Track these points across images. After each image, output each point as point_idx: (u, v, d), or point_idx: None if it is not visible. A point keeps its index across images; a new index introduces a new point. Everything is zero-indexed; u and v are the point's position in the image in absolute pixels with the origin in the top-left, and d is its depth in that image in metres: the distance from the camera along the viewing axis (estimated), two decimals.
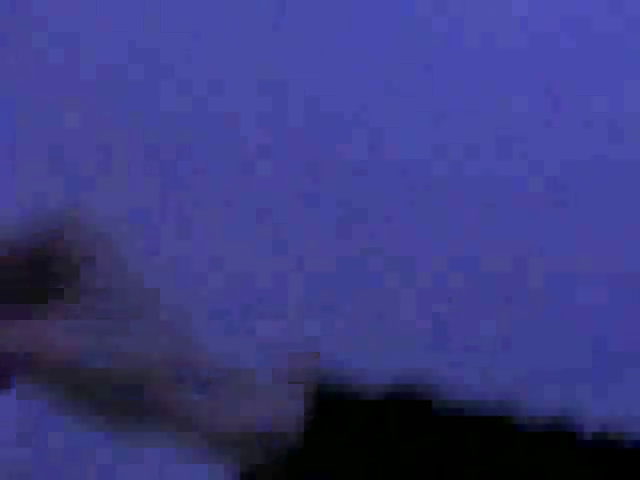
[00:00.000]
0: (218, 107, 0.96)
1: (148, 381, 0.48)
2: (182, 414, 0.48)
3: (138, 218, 0.84)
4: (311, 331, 0.95)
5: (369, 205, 0.98)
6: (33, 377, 0.48)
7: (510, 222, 0.99)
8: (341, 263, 0.97)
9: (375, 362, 0.73)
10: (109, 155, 0.90)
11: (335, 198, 0.98)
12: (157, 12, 0.93)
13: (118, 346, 0.48)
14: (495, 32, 1.00)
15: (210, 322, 0.50)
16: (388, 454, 0.49)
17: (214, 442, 0.49)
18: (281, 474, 0.49)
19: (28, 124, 0.87)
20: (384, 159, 0.99)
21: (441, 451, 0.49)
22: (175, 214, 0.92)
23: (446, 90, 0.99)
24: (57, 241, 0.49)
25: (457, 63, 0.99)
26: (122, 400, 0.48)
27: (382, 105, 0.98)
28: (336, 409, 0.50)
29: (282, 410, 0.49)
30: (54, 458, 0.87)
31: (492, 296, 0.99)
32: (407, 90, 0.98)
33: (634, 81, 1.01)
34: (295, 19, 0.96)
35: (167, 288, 0.50)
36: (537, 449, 0.50)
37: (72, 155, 0.88)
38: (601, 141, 1.01)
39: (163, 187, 0.92)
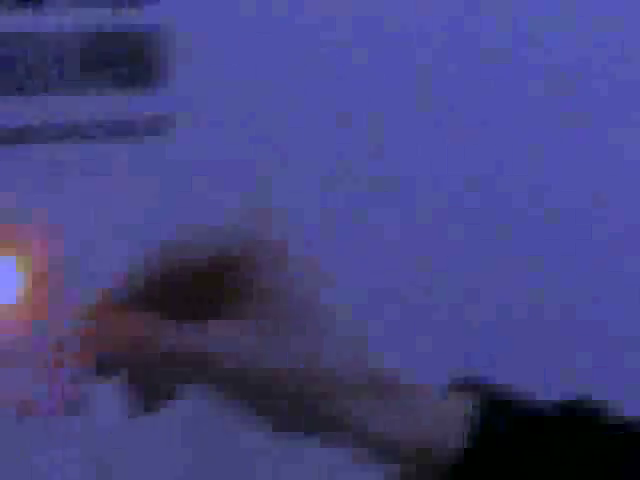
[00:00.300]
0: None
1: (321, 384, 0.48)
2: (353, 418, 0.49)
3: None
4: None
5: None
6: (208, 378, 0.49)
7: None
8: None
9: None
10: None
11: None
12: None
13: (293, 348, 0.48)
14: None
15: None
16: (554, 471, 0.49)
17: (381, 449, 0.50)
18: None
19: None
20: None
21: (612, 468, 0.50)
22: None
23: None
24: (238, 244, 0.50)
25: None
26: (294, 402, 0.48)
27: None
28: (499, 424, 0.50)
29: (448, 424, 0.50)
30: (221, 460, 0.86)
31: None
32: None
33: None
34: None
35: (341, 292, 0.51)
36: None
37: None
38: None
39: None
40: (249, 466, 0.89)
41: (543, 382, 0.65)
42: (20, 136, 0.81)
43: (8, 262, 0.55)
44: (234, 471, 0.89)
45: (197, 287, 0.52)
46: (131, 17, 0.82)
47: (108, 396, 0.52)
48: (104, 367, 0.52)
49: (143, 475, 0.83)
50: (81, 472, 0.56)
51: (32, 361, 0.79)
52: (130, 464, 0.79)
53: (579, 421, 0.51)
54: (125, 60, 0.83)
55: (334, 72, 0.90)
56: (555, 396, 0.53)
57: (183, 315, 0.51)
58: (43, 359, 0.55)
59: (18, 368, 0.79)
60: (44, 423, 0.79)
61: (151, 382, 0.54)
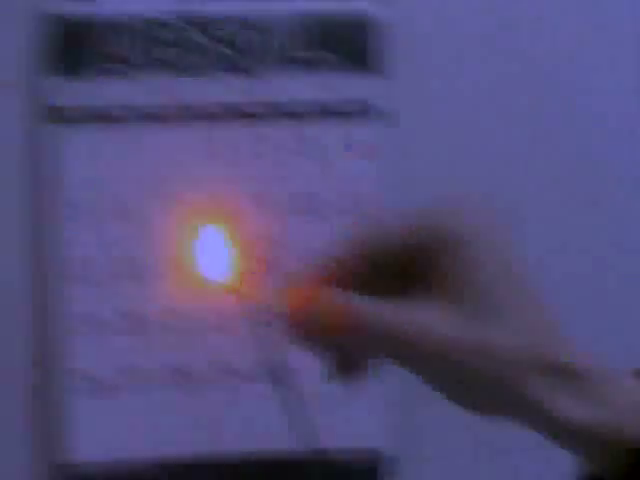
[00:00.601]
0: None
1: (512, 369, 0.48)
2: (543, 401, 0.49)
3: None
4: None
5: None
6: (403, 357, 0.50)
7: None
8: None
9: None
10: None
11: None
12: None
13: (491, 342, 0.48)
14: None
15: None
16: None
17: (572, 437, 0.49)
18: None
19: None
20: None
21: None
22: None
23: None
24: (442, 229, 0.50)
25: None
26: (487, 386, 0.49)
27: None
28: None
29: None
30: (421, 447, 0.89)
31: None
32: None
33: None
34: None
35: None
36: None
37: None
38: None
39: None
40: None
41: None
42: (231, 112, 0.83)
43: (219, 232, 0.57)
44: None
45: (394, 268, 0.53)
46: (357, 5, 0.84)
47: (310, 366, 0.55)
48: (307, 339, 0.54)
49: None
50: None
51: (242, 330, 0.83)
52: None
53: None
54: (346, 45, 0.84)
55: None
56: None
57: (380, 295, 0.51)
58: (252, 329, 0.57)
59: (228, 337, 0.83)
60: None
61: (349, 355, 0.56)
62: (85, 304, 0.82)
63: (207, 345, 0.83)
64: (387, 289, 0.52)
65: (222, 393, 0.84)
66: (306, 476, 0.82)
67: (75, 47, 0.82)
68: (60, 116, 0.82)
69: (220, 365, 0.84)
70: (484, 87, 0.89)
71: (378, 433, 0.85)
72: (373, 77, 0.85)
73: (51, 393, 0.82)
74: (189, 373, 0.83)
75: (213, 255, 0.56)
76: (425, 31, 0.88)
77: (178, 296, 0.82)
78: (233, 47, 0.84)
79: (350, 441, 0.85)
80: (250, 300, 0.55)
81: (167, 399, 0.83)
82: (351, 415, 0.85)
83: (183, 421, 0.83)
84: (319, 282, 0.53)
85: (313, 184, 0.84)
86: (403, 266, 0.53)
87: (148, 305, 0.82)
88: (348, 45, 0.84)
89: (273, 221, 0.84)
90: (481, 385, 0.49)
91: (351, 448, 0.85)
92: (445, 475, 0.89)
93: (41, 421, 0.84)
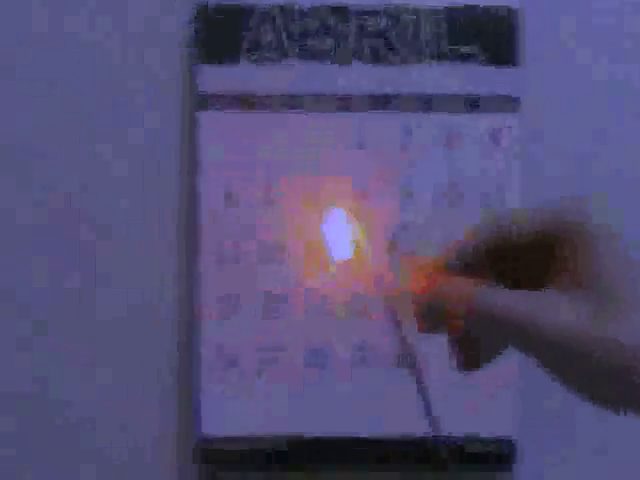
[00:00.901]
0: None
1: (629, 365, 0.49)
2: None
3: None
4: None
5: None
6: (526, 345, 0.51)
7: None
8: None
9: None
10: None
11: None
12: None
13: (606, 332, 0.49)
14: None
15: None
16: None
17: None
18: None
19: None
20: None
21: None
22: None
23: None
24: (568, 223, 0.51)
25: None
26: (609, 379, 0.49)
27: None
28: None
29: None
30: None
31: None
32: None
33: None
34: None
35: None
36: None
37: None
38: None
39: None
40: None
41: None
42: (376, 103, 0.85)
43: (341, 215, 0.59)
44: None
45: (522, 260, 0.54)
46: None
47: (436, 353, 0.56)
48: (431, 323, 0.56)
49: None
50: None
51: (368, 314, 0.85)
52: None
53: None
54: (492, 38, 0.85)
55: None
56: None
57: (506, 285, 0.53)
58: (385, 312, 0.59)
59: (368, 320, 0.85)
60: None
61: (473, 342, 0.57)
62: (227, 286, 0.85)
63: (347, 328, 0.85)
64: (512, 281, 0.53)
65: (360, 376, 0.85)
66: (435, 461, 0.83)
67: (225, 35, 0.84)
68: (210, 102, 0.84)
69: (358, 348, 0.85)
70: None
71: (507, 421, 0.85)
72: (518, 71, 0.84)
73: (192, 373, 0.86)
74: (328, 355, 0.85)
75: (340, 237, 0.57)
76: (569, 28, 0.87)
77: (318, 279, 0.84)
78: (380, 39, 0.85)
79: (480, 429, 0.85)
80: (381, 284, 0.56)
81: (306, 380, 0.85)
82: (481, 403, 0.85)
83: (319, 402, 0.85)
84: (445, 268, 0.54)
85: (457, 176, 0.85)
86: (528, 259, 0.54)
87: (290, 288, 0.85)
88: (494, 38, 0.84)
89: (416, 211, 0.85)
90: (604, 377, 0.49)
91: (481, 436, 0.85)
92: (567, 464, 0.89)
93: (184, 399, 0.88)
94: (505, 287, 0.53)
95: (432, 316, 0.54)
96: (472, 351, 0.57)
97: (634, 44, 0.88)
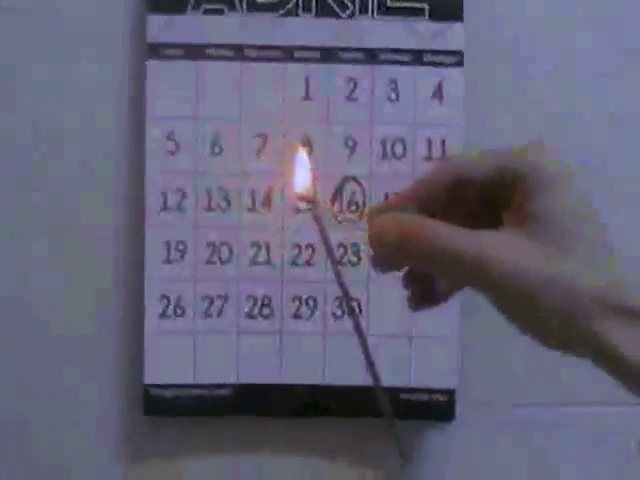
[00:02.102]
0: None
1: (575, 309, 0.49)
2: (616, 347, 0.49)
3: None
4: None
5: None
6: (478, 283, 0.51)
7: None
8: None
9: None
10: None
11: None
12: None
13: (555, 270, 0.49)
14: None
15: None
16: None
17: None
18: None
19: None
20: None
21: None
22: None
23: None
24: (523, 162, 0.52)
25: None
26: (557, 319, 0.50)
27: None
28: None
29: None
30: None
31: None
32: None
33: None
34: None
35: None
36: None
37: None
38: None
39: None
40: None
41: None
42: (323, 55, 0.85)
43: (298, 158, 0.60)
44: None
45: (473, 200, 0.54)
46: None
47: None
48: (383, 263, 0.56)
49: None
50: None
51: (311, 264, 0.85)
52: None
53: None
54: None
55: None
56: None
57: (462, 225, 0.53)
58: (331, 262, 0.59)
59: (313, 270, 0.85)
60: None
61: (426, 280, 0.57)
62: (173, 233, 0.85)
63: (291, 278, 0.86)
64: (464, 220, 0.53)
65: (301, 326, 0.86)
66: (375, 411, 0.83)
67: None
68: (158, 52, 0.85)
69: (300, 299, 0.86)
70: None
71: (447, 372, 0.86)
72: (463, 25, 0.85)
73: (137, 320, 0.86)
74: (270, 304, 0.86)
75: (300, 176, 0.58)
76: None
77: (266, 228, 0.85)
78: None
79: (420, 380, 0.86)
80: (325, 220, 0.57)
81: (249, 329, 0.86)
82: (421, 354, 0.86)
83: (261, 351, 0.86)
84: (398, 208, 0.55)
85: (401, 128, 0.86)
86: (482, 199, 0.54)
87: (235, 237, 0.85)
88: None
89: (360, 163, 0.86)
90: (552, 318, 0.50)
91: (424, 387, 0.86)
92: (505, 416, 0.90)
93: (128, 347, 0.88)
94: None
95: (383, 252, 0.54)
96: (425, 290, 0.57)
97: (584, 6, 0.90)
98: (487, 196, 0.54)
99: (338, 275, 0.59)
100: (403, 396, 0.86)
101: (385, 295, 0.85)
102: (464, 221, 0.53)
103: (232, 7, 0.85)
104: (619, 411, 0.89)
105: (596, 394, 0.89)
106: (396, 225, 0.52)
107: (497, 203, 0.53)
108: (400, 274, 0.58)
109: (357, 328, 0.60)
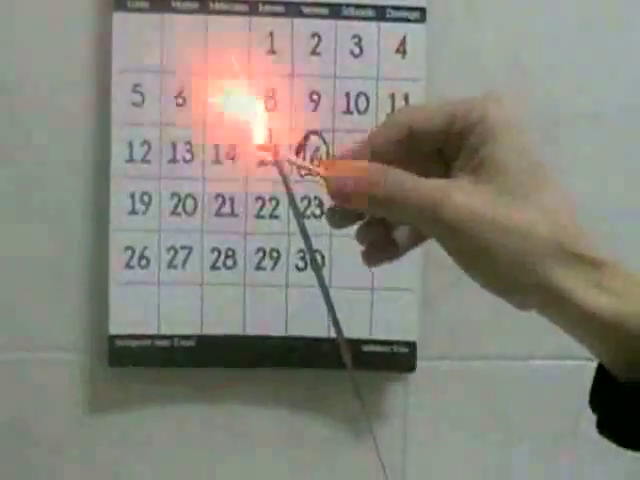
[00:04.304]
0: None
1: (531, 256, 0.50)
2: (567, 293, 0.50)
3: None
4: None
5: None
6: (433, 230, 0.52)
7: None
8: None
9: None
10: None
11: None
12: None
13: (509, 218, 0.50)
14: None
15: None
16: None
17: (594, 323, 0.50)
18: None
19: None
20: None
21: None
22: None
23: None
24: (474, 111, 0.52)
25: None
26: (508, 265, 0.50)
27: None
28: None
29: None
30: None
31: None
32: None
33: None
34: None
35: None
36: None
37: None
38: None
39: None
40: None
41: None
42: (287, 10, 0.86)
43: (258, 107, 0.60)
44: None
45: (425, 148, 0.55)
46: None
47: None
48: (342, 213, 0.57)
49: None
50: None
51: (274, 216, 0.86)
52: None
53: None
54: None
55: None
56: None
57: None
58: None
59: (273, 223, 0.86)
60: None
61: (379, 234, 0.58)
62: (138, 185, 0.86)
63: (255, 230, 0.87)
64: (416, 170, 0.53)
65: (264, 278, 0.87)
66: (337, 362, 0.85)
67: None
68: (125, 4, 0.85)
69: (264, 251, 0.87)
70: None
71: (408, 324, 0.88)
72: None
73: (101, 270, 0.87)
74: (234, 256, 0.87)
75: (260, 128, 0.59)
76: None
77: (230, 181, 0.86)
78: None
79: (386, 332, 0.88)
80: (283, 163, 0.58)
81: (211, 280, 0.87)
82: (388, 308, 0.87)
83: (224, 302, 0.87)
84: (353, 158, 0.55)
85: (366, 84, 0.87)
86: (434, 149, 0.55)
87: (198, 189, 0.86)
88: None
89: (324, 116, 0.87)
90: (506, 265, 0.50)
91: (386, 339, 0.88)
92: (466, 369, 0.92)
93: (92, 297, 0.89)
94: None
95: (339, 197, 0.54)
96: (380, 243, 0.58)
97: None
98: (439, 146, 0.54)
99: (302, 227, 0.60)
100: (365, 348, 0.87)
101: (347, 248, 0.86)
102: (416, 171, 0.53)
103: None
104: (571, 365, 0.91)
105: (550, 348, 0.91)
106: (359, 172, 0.53)
107: (449, 153, 0.54)
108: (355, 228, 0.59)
109: (320, 280, 0.61)
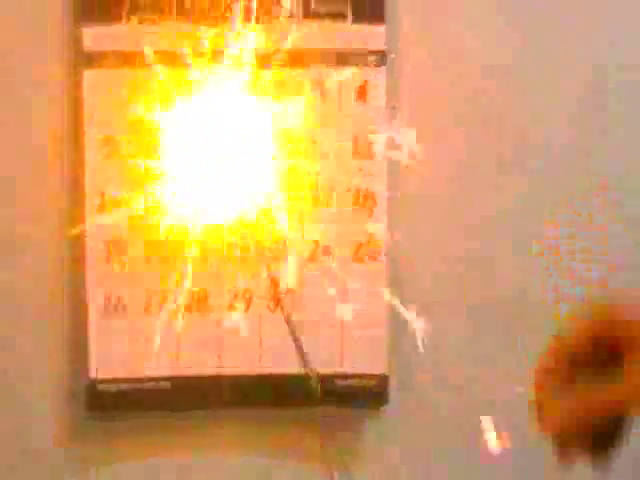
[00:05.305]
0: None
1: None
2: None
3: None
4: None
5: None
6: None
7: None
8: None
9: None
10: None
11: None
12: None
13: None
14: None
15: None
16: None
17: None
18: None
19: None
20: None
21: None
22: None
23: None
24: (617, 322, 0.56)
25: None
26: None
27: None
28: None
29: None
30: None
31: None
32: None
33: None
34: None
35: None
36: None
37: None
38: None
39: None
40: None
41: None
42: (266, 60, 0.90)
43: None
44: None
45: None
46: None
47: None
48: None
49: None
50: None
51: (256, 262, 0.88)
52: None
53: None
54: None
55: None
56: None
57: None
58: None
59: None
60: None
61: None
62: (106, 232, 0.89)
63: (225, 274, 0.89)
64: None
65: (237, 319, 0.90)
66: (311, 397, 0.87)
67: None
68: (94, 60, 0.89)
69: (236, 293, 0.90)
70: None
71: (379, 358, 0.90)
72: (385, 27, 0.90)
73: (78, 318, 0.90)
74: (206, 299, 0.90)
75: None
76: None
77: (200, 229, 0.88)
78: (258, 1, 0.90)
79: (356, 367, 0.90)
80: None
81: (188, 323, 0.89)
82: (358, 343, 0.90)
83: (199, 343, 0.89)
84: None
85: (328, 127, 0.90)
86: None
87: (173, 236, 0.89)
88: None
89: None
90: None
91: (357, 373, 0.90)
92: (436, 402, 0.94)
93: (71, 342, 0.92)
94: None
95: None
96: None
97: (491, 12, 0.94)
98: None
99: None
100: (337, 383, 0.90)
101: (317, 285, 0.89)
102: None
103: (163, 15, 0.89)
104: None
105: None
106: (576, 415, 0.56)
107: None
108: None
109: (287, 319, 0.63)
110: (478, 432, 0.93)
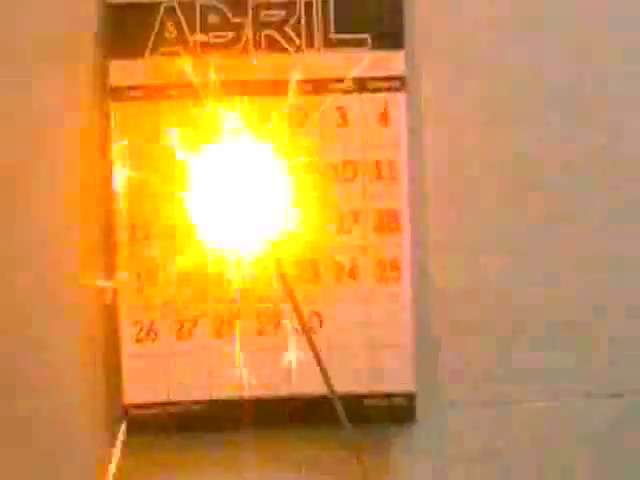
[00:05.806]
0: None
1: None
2: None
3: None
4: None
5: None
6: None
7: None
8: None
9: None
10: None
11: None
12: None
13: None
14: None
15: None
16: None
17: None
18: None
19: None
20: None
21: None
22: None
23: None
24: None
25: None
26: None
27: None
28: None
29: None
30: None
31: None
32: None
33: None
34: None
35: None
36: None
37: None
38: None
39: None
40: None
41: None
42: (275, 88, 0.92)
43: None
44: None
45: None
46: None
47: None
48: None
49: None
50: None
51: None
52: None
53: None
54: (375, 23, 0.92)
55: None
56: None
57: None
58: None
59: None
60: None
61: None
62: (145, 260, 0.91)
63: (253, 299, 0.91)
64: None
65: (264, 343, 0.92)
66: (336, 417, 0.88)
67: (134, 30, 0.92)
68: (122, 95, 0.91)
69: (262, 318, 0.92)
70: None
71: (407, 375, 0.92)
72: (404, 53, 0.92)
73: (110, 343, 0.92)
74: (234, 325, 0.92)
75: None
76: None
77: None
78: (279, 30, 0.92)
79: (383, 385, 0.92)
80: None
81: (214, 346, 0.92)
82: (379, 358, 0.92)
83: (229, 366, 0.91)
84: None
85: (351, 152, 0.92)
86: None
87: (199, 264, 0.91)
88: (380, 25, 0.92)
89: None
90: None
91: (384, 392, 0.92)
92: (467, 417, 0.96)
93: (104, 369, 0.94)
94: None
95: None
96: None
97: (517, 26, 0.96)
98: None
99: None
100: (364, 402, 0.92)
101: (341, 307, 0.91)
102: None
103: (188, 48, 0.91)
104: (558, 407, 0.95)
105: (539, 393, 0.95)
106: None
107: None
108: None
109: (310, 342, 0.64)
110: (508, 449, 0.95)
